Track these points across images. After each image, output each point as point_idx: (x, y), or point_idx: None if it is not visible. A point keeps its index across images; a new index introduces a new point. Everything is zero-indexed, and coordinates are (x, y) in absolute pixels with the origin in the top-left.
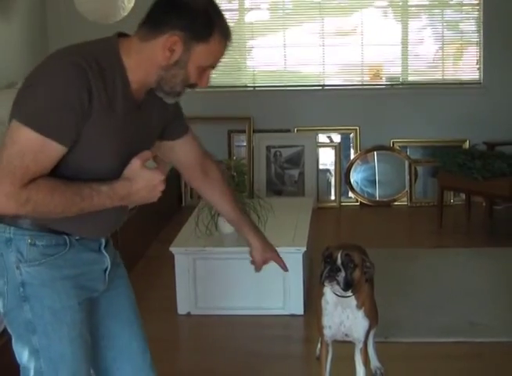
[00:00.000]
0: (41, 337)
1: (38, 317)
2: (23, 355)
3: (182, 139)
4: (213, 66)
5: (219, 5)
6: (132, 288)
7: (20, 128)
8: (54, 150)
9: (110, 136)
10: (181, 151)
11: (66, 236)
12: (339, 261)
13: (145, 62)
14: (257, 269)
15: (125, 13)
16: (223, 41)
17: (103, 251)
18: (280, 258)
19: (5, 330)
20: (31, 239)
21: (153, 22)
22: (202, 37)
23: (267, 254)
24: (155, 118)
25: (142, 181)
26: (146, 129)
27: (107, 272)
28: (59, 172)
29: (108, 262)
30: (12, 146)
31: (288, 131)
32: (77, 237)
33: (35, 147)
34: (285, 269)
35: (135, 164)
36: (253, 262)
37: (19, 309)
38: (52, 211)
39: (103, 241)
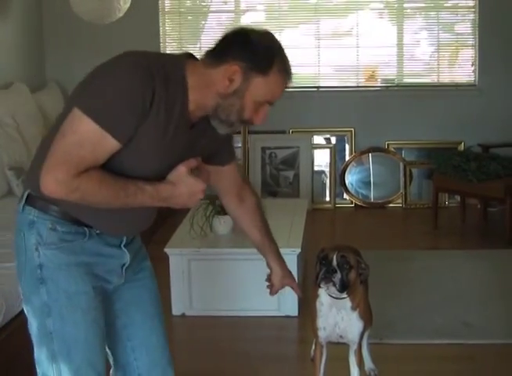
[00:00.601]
0: (56, 319)
1: (54, 300)
2: (37, 335)
3: (226, 166)
4: (270, 103)
5: (279, 42)
6: (157, 284)
7: (82, 118)
8: (110, 145)
9: (159, 141)
10: (223, 177)
11: (86, 228)
12: (334, 262)
13: (204, 86)
14: (273, 292)
15: (121, 14)
16: (282, 79)
17: (123, 248)
18: (297, 284)
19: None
20: (52, 224)
21: (218, 51)
22: (261, 69)
23: (285, 280)
24: (203, 143)
25: (185, 186)
26: (191, 149)
27: (124, 267)
28: (103, 166)
29: (127, 258)
30: (72, 135)
31: (283, 132)
32: (97, 231)
33: (94, 139)
34: (298, 293)
35: (181, 169)
36: (269, 286)
37: (36, 290)
38: (98, 201)
39: (125, 239)
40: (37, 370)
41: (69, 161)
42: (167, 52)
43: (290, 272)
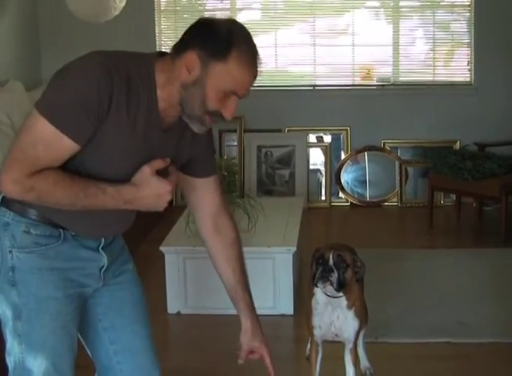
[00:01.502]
0: (25, 323)
1: (24, 303)
2: (8, 337)
3: (204, 179)
4: (237, 95)
5: (244, 29)
6: (140, 283)
7: (38, 117)
8: (66, 146)
9: (123, 143)
10: (198, 193)
11: (61, 230)
12: (331, 261)
13: (170, 80)
14: (242, 356)
15: (116, 12)
16: (245, 67)
17: (101, 251)
18: (267, 351)
19: None
20: (26, 227)
21: (181, 42)
22: (219, 55)
23: (255, 343)
24: (180, 147)
25: (149, 188)
26: (165, 151)
27: (103, 270)
28: (66, 167)
29: (105, 261)
30: (27, 134)
31: (279, 131)
32: (73, 233)
33: (49, 140)
34: (269, 370)
35: (145, 171)
36: (239, 346)
37: (8, 293)
38: (56, 202)
39: (103, 241)
40: (8, 364)
41: (23, 161)
42: (163, 50)
43: (262, 335)
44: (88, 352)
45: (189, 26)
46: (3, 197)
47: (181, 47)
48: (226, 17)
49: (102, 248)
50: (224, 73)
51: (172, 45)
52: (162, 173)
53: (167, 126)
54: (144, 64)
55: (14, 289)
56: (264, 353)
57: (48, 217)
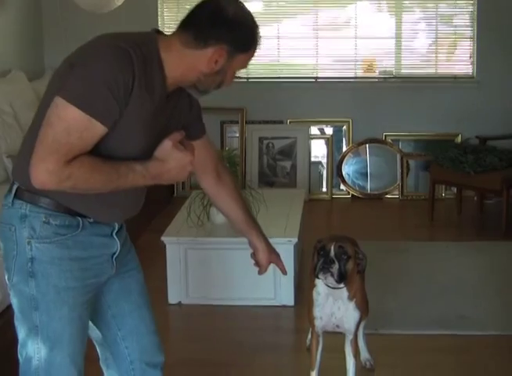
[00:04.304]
0: (43, 314)
1: (42, 294)
2: (22, 329)
3: (200, 140)
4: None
5: (253, 19)
6: (143, 272)
7: (67, 106)
8: (97, 130)
9: (144, 121)
10: (198, 152)
11: (80, 218)
12: (332, 253)
13: (186, 66)
14: (262, 270)
15: (119, 3)
16: (257, 48)
17: (115, 237)
18: (281, 261)
19: (7, 308)
20: (46, 217)
21: (200, 32)
22: (245, 49)
23: (272, 257)
24: (178, 112)
25: (173, 161)
26: (169, 123)
27: (115, 256)
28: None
29: (118, 247)
30: (58, 124)
31: (281, 122)
32: (91, 220)
33: (81, 126)
34: (284, 272)
35: (167, 144)
36: (256, 264)
37: (24, 284)
38: (91, 187)
39: (116, 226)
40: (20, 356)
41: (58, 150)
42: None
43: (275, 248)
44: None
45: (198, 9)
46: (17, 189)
47: (202, 38)
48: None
49: (116, 234)
50: (244, 60)
51: (182, 26)
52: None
53: (167, 97)
54: (151, 43)
55: (32, 280)
56: (279, 261)
57: (66, 205)
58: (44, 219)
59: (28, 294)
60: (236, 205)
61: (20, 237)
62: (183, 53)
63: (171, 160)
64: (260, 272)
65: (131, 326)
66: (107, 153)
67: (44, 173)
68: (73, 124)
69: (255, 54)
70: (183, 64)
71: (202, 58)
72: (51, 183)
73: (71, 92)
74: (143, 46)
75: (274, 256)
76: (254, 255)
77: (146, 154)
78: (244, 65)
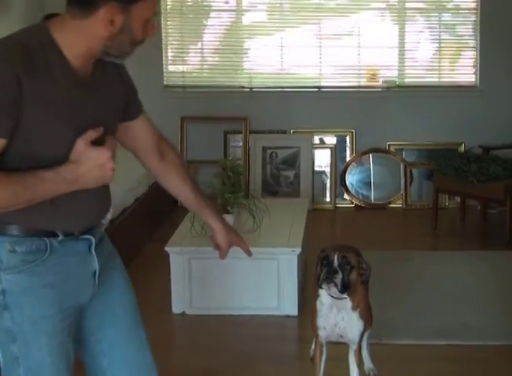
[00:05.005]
0: (21, 345)
1: (18, 326)
2: (3, 360)
3: (137, 119)
4: (154, 14)
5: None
6: (132, 287)
7: None
8: None
9: (58, 113)
10: (137, 132)
11: (47, 240)
12: (336, 263)
13: (85, 38)
14: (223, 254)
15: None
16: None
17: (92, 253)
18: (244, 241)
19: None
20: (11, 245)
21: (81, 1)
22: None
23: (231, 237)
24: (111, 95)
25: (88, 161)
26: (101, 108)
27: (97, 274)
28: (11, 164)
29: (96, 264)
30: None
31: (284, 132)
32: (60, 239)
33: None
34: (248, 253)
35: (79, 144)
36: (216, 247)
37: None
38: None
39: (93, 241)
40: None
41: None
42: (169, 51)
43: (234, 228)
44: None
45: None
46: None
47: (87, 4)
48: None
49: (94, 249)
50: (143, 7)
51: (68, 1)
52: (99, 143)
53: (86, 80)
54: (40, 31)
55: (6, 313)
56: (240, 242)
57: (30, 226)
58: (9, 248)
59: (4, 326)
60: (184, 184)
61: None
62: (77, 27)
63: (86, 160)
64: (220, 256)
65: (118, 353)
66: (37, 159)
67: None
68: None
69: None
70: (82, 38)
71: (97, 24)
72: None
73: None
74: (29, 39)
75: (234, 237)
76: (211, 238)
77: None
78: (150, 12)
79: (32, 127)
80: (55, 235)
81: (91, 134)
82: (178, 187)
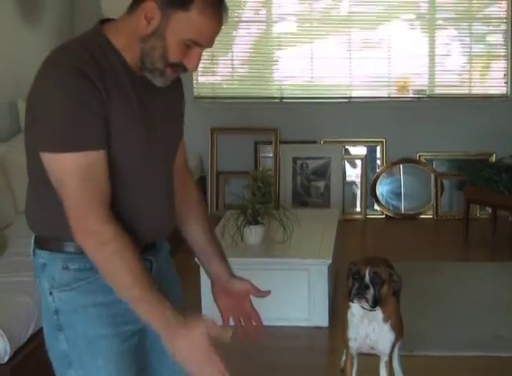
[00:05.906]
0: (77, 369)
1: (73, 347)
2: None
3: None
4: (200, 45)
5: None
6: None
7: (58, 157)
8: (98, 158)
9: (134, 122)
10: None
11: None
12: (367, 278)
13: (132, 37)
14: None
15: None
16: (209, 15)
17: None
18: (255, 286)
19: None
20: (64, 262)
21: None
22: (180, 3)
23: (245, 284)
24: (177, 98)
25: (199, 357)
26: (165, 112)
27: None
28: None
29: None
30: (69, 179)
31: (314, 142)
32: None
33: (85, 166)
34: (265, 294)
35: (202, 331)
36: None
37: (55, 339)
38: (111, 274)
39: (154, 261)
40: None
41: (91, 202)
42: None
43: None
44: None
45: None
46: (35, 238)
47: (135, 1)
48: None
49: (150, 270)
50: (185, 21)
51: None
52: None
53: (150, 83)
54: (97, 36)
55: (61, 334)
56: (253, 288)
57: None
58: (62, 265)
59: (60, 349)
60: (196, 224)
61: (44, 289)
62: (127, 24)
63: (198, 355)
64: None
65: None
66: (116, 169)
67: (82, 233)
68: (78, 169)
69: (217, 24)
70: (130, 37)
71: (137, 17)
72: (90, 246)
73: (49, 140)
74: (90, 43)
75: (248, 283)
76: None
77: (148, 162)
78: (192, 33)
79: (115, 133)
80: None
81: (214, 326)
82: (189, 224)
